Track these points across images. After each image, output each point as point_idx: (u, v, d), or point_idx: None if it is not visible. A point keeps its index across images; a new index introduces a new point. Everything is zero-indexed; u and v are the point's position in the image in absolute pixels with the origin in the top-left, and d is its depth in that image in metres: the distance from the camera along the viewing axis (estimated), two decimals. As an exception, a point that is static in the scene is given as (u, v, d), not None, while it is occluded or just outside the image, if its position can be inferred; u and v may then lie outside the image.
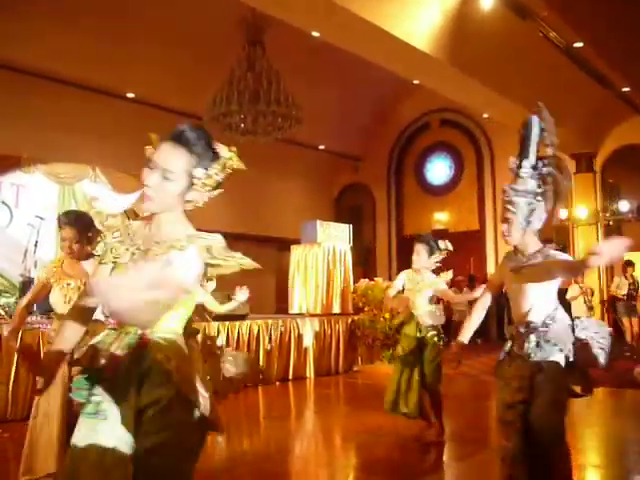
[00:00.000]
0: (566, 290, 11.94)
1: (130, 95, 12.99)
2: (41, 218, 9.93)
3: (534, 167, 3.43)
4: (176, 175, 2.14)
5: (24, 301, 4.07)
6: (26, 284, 9.52)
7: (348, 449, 5.93)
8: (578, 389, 3.30)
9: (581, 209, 15.65)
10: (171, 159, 2.13)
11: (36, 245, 9.75)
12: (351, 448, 5.91)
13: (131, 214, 10.70)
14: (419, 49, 10.14)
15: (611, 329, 3.42)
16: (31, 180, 12.02)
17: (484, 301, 3.56)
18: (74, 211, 4.33)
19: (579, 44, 11.62)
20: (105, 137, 12.08)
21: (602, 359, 3.23)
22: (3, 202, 11.80)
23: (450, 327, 11.17)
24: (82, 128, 11.96)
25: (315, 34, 10.41)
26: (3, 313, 9.14)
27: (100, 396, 2.05)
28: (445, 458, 5.31)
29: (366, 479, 4.82)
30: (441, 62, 10.68)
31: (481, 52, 10.86)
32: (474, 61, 11.00)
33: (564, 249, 15.84)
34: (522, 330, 3.23)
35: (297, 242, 11.54)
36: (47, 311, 6.92)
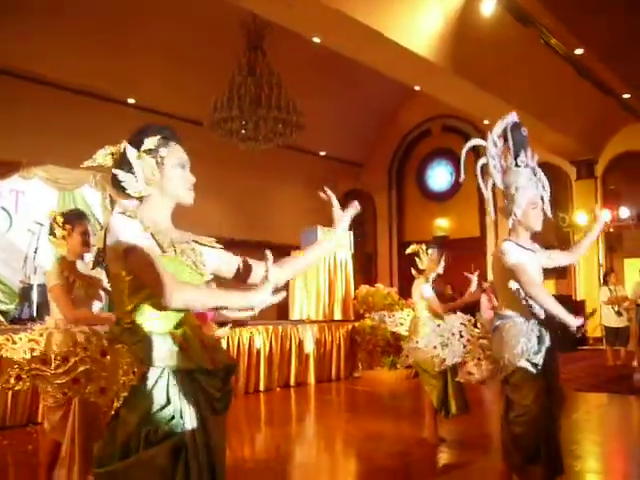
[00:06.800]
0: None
1: (131, 101, 12.97)
2: (41, 224, 9.77)
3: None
4: None
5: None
6: (26, 290, 9.52)
7: (349, 455, 5.91)
8: None
9: (581, 215, 15.63)
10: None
11: (36, 251, 9.71)
12: (352, 454, 5.89)
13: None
14: (420, 55, 10.14)
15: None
16: (30, 186, 12.04)
17: None
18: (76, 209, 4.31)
19: (580, 51, 11.63)
20: (105, 143, 12.04)
21: None
22: (3, 208, 11.80)
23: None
24: (82, 134, 11.90)
25: (316, 40, 10.41)
26: (2, 319, 9.13)
27: None
28: (446, 464, 5.28)
29: (367, 486, 4.80)
30: (442, 68, 10.68)
31: (482, 58, 10.87)
32: (475, 67, 11.00)
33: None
34: None
35: (298, 248, 11.52)
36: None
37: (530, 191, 3.59)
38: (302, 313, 10.90)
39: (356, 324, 10.74)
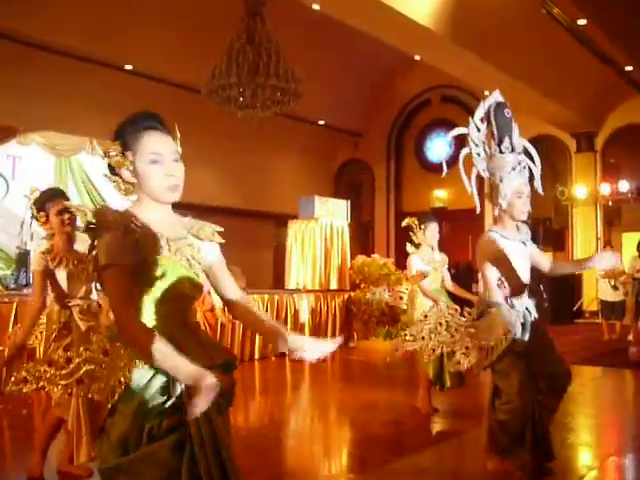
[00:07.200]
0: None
1: (128, 67, 12.82)
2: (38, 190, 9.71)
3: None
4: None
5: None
6: (22, 256, 9.52)
7: (343, 424, 5.94)
8: None
9: (581, 188, 15.59)
10: (170, 142, 2.09)
11: (32, 217, 9.65)
12: (346, 423, 5.93)
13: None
14: (421, 24, 10.00)
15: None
16: (28, 152, 11.98)
17: None
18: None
19: (583, 21, 11.46)
20: (102, 109, 11.93)
21: None
22: (-1, 174, 11.76)
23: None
24: (80, 100, 11.84)
25: (315, 7, 10.27)
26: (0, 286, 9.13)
27: None
28: (440, 434, 5.32)
29: (360, 454, 4.83)
30: (443, 38, 10.55)
31: (483, 28, 10.73)
32: (476, 37, 10.87)
33: (563, 229, 15.85)
34: None
35: (295, 217, 11.50)
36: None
37: (515, 181, 3.52)
38: (298, 282, 10.91)
39: (352, 294, 10.76)
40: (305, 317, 9.88)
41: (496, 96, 3.63)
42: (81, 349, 2.37)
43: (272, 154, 16.49)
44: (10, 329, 6.14)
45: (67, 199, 3.94)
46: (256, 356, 9.02)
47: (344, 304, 10.58)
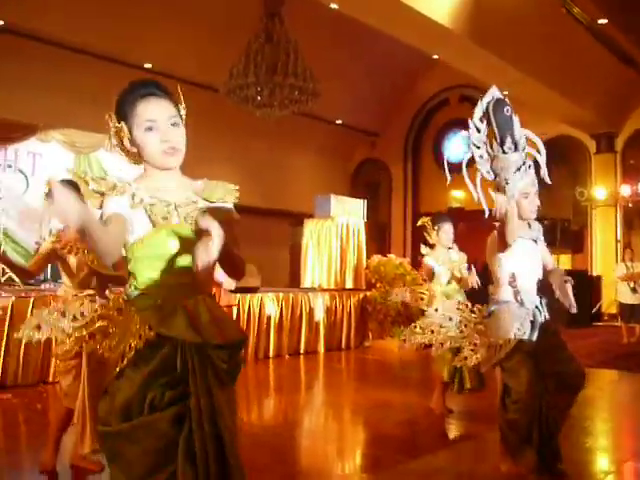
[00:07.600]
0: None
1: (147, 66, 12.87)
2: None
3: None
4: (180, 119, 2.11)
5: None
6: (41, 252, 9.61)
7: (357, 424, 5.93)
8: None
9: (600, 190, 15.43)
10: (167, 107, 2.09)
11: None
12: (360, 423, 5.91)
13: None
14: (439, 23, 9.96)
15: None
16: (47, 149, 12.08)
17: None
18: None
19: (603, 21, 11.36)
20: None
21: None
22: (20, 170, 11.86)
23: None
24: (99, 98, 11.84)
25: (334, 6, 10.25)
26: (17, 280, 9.21)
27: None
28: (454, 435, 5.29)
29: (374, 454, 4.81)
30: (461, 37, 10.50)
31: (502, 27, 10.66)
32: (495, 37, 10.80)
33: (582, 229, 15.69)
34: None
35: (312, 216, 11.49)
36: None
37: (520, 182, 3.46)
38: (314, 281, 10.90)
39: (367, 293, 10.74)
40: (320, 316, 9.87)
41: (494, 93, 3.52)
42: (96, 306, 2.38)
43: (290, 152, 16.49)
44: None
45: (78, 190, 3.97)
46: (270, 354, 9.03)
47: (359, 303, 10.56)
